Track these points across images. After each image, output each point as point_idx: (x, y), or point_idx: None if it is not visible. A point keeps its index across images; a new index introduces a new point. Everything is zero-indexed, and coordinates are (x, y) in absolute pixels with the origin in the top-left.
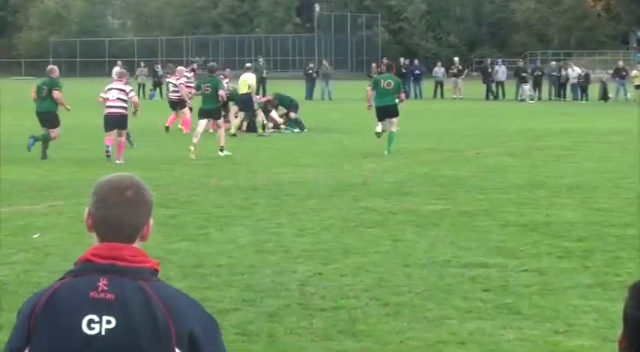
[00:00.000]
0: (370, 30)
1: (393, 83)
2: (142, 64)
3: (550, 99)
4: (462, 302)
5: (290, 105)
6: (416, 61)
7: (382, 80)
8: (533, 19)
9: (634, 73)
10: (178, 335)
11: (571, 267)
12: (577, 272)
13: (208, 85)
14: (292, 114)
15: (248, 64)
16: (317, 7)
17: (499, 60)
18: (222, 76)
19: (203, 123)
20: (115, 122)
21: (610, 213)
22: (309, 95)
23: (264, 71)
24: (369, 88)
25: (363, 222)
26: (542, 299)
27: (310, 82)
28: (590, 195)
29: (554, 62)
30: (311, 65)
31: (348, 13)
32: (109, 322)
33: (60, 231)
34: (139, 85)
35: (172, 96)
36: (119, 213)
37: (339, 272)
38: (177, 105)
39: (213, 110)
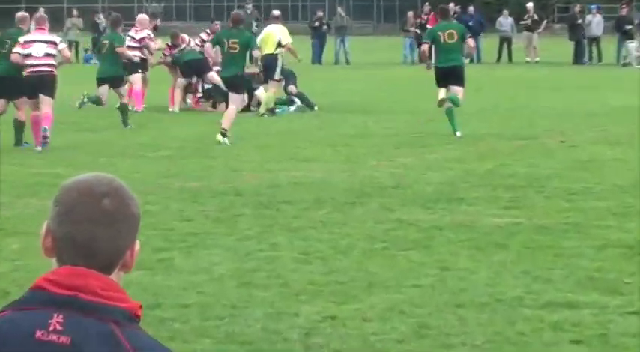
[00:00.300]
0: None
1: (456, 33)
2: (75, 12)
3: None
4: None
5: (288, 76)
6: (471, 9)
7: (441, 31)
8: None
9: None
10: None
11: None
12: None
13: (235, 40)
14: (291, 88)
15: (276, 12)
16: None
17: (593, 6)
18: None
19: (237, 98)
20: (43, 85)
21: None
22: (318, 57)
23: (254, 24)
24: (425, 45)
25: (396, 241)
26: None
27: (319, 38)
28: None
29: None
30: (320, 14)
31: None
32: None
33: None
34: (70, 43)
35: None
36: (91, 230)
37: (360, 316)
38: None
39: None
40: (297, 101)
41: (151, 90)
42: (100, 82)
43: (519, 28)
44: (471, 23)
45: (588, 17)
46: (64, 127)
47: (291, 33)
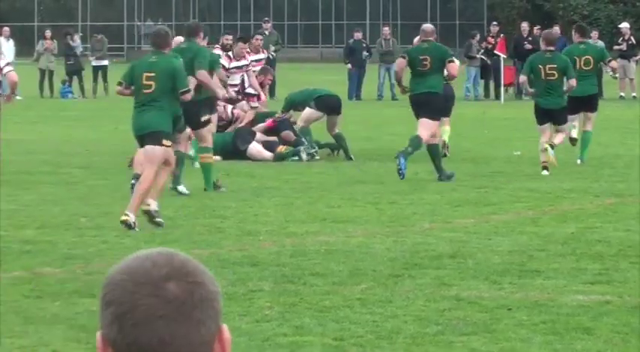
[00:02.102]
0: None
1: (593, 58)
2: (48, 33)
3: None
4: None
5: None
6: (556, 29)
7: (577, 55)
8: None
9: None
10: None
11: None
12: None
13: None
14: (287, 134)
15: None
16: None
17: None
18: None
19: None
20: None
21: None
22: (355, 90)
23: (272, 47)
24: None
25: (454, 325)
26: None
27: (357, 66)
28: None
29: None
30: (358, 35)
31: None
32: None
33: None
34: (42, 72)
35: None
36: (162, 329)
37: None
38: None
39: None
40: (304, 143)
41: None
42: None
43: (612, 54)
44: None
45: None
46: (35, 179)
47: (319, 61)
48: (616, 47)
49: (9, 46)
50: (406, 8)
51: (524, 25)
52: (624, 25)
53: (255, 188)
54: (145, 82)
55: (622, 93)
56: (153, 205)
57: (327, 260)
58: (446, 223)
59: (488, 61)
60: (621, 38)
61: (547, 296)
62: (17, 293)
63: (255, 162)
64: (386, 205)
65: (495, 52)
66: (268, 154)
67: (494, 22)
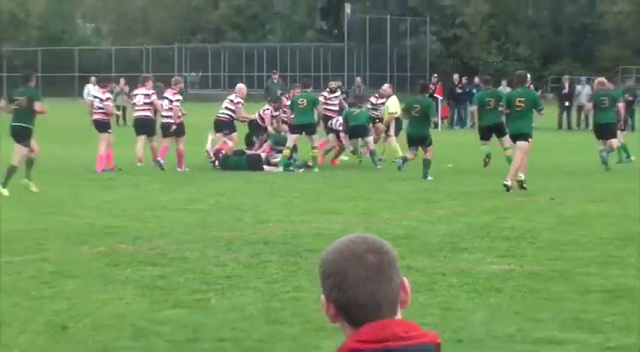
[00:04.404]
0: (416, 38)
1: (526, 100)
2: (122, 80)
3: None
4: None
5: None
6: (476, 79)
7: (515, 97)
8: (628, 26)
9: None
10: None
11: None
12: None
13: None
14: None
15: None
16: (348, 9)
17: (582, 78)
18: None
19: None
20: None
21: None
22: None
23: (279, 91)
24: (501, 107)
25: None
26: None
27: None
28: None
29: None
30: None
31: (388, 16)
32: None
33: (17, 296)
34: (117, 107)
35: (222, 116)
36: (369, 287)
37: None
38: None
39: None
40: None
41: (189, 151)
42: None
43: None
44: (475, 91)
45: (578, 87)
46: (115, 183)
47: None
48: None
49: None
50: (372, 63)
51: (455, 76)
52: (528, 76)
53: (266, 191)
54: None
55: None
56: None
57: (317, 240)
58: (401, 215)
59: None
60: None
61: (470, 266)
62: (100, 262)
63: (266, 173)
64: (359, 202)
65: (435, 95)
66: (274, 168)
67: (435, 74)
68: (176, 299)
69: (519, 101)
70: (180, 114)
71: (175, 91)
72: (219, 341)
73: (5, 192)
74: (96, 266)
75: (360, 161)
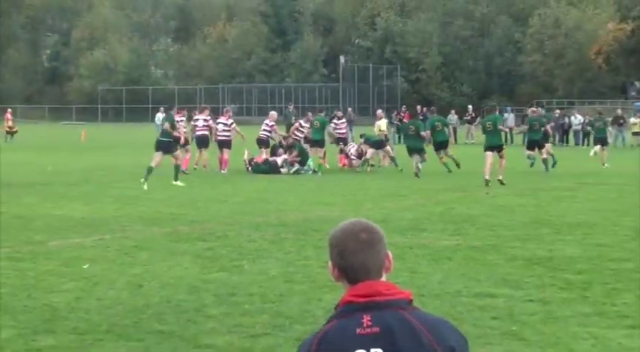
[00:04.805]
0: (390, 80)
1: (441, 124)
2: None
3: (554, 144)
4: (472, 329)
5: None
6: (433, 108)
7: (435, 122)
8: (540, 71)
9: (632, 120)
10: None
11: (571, 298)
12: (577, 302)
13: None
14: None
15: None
16: (342, 59)
17: (508, 108)
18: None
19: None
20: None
21: (608, 249)
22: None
23: (293, 117)
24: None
25: None
26: (544, 326)
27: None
28: (590, 232)
29: (558, 110)
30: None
31: (370, 65)
32: None
33: (106, 263)
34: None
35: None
36: (362, 256)
37: None
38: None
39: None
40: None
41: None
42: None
43: (462, 121)
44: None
45: (505, 114)
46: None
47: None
48: (465, 118)
49: (162, 117)
50: (360, 98)
51: (418, 107)
52: (470, 107)
53: (284, 188)
54: None
55: (466, 141)
56: None
57: (321, 223)
58: (379, 205)
59: (400, 125)
60: (467, 113)
61: (429, 241)
62: (166, 239)
63: (282, 175)
64: (349, 196)
65: (404, 120)
66: (287, 169)
67: (404, 106)
68: (220, 265)
69: (438, 126)
70: (236, 132)
71: (227, 117)
72: (250, 295)
73: (145, 186)
74: (163, 242)
75: (374, 166)
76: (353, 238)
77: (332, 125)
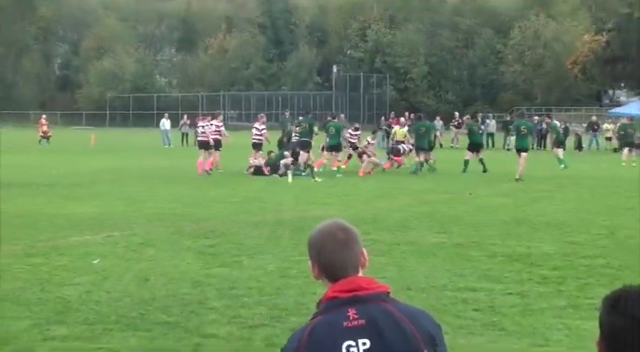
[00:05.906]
0: (380, 88)
1: (425, 130)
2: (185, 116)
3: (532, 148)
4: (456, 320)
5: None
6: (421, 115)
7: (419, 127)
8: (520, 80)
9: (605, 126)
10: (424, 338)
11: (548, 291)
12: (553, 295)
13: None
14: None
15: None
16: (335, 69)
17: (490, 114)
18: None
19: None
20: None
21: (582, 246)
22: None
23: (289, 124)
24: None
25: (372, 251)
26: (523, 318)
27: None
28: (565, 230)
29: (536, 117)
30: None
31: (361, 74)
32: (364, 344)
33: (115, 258)
34: (182, 134)
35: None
36: (339, 255)
37: None
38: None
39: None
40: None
41: (229, 162)
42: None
43: (448, 126)
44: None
45: (487, 121)
46: (181, 182)
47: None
48: (451, 123)
49: (168, 122)
50: (351, 105)
51: (406, 114)
52: (456, 113)
53: (281, 189)
54: None
55: (451, 145)
56: None
57: (316, 222)
58: (371, 205)
59: (389, 131)
60: (454, 119)
61: (416, 239)
62: (170, 237)
63: (279, 178)
64: (342, 197)
65: (392, 125)
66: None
67: (392, 113)
68: (221, 261)
69: (422, 131)
70: (227, 136)
71: (261, 122)
72: (249, 289)
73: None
74: (168, 239)
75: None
76: (331, 238)
77: (347, 134)
